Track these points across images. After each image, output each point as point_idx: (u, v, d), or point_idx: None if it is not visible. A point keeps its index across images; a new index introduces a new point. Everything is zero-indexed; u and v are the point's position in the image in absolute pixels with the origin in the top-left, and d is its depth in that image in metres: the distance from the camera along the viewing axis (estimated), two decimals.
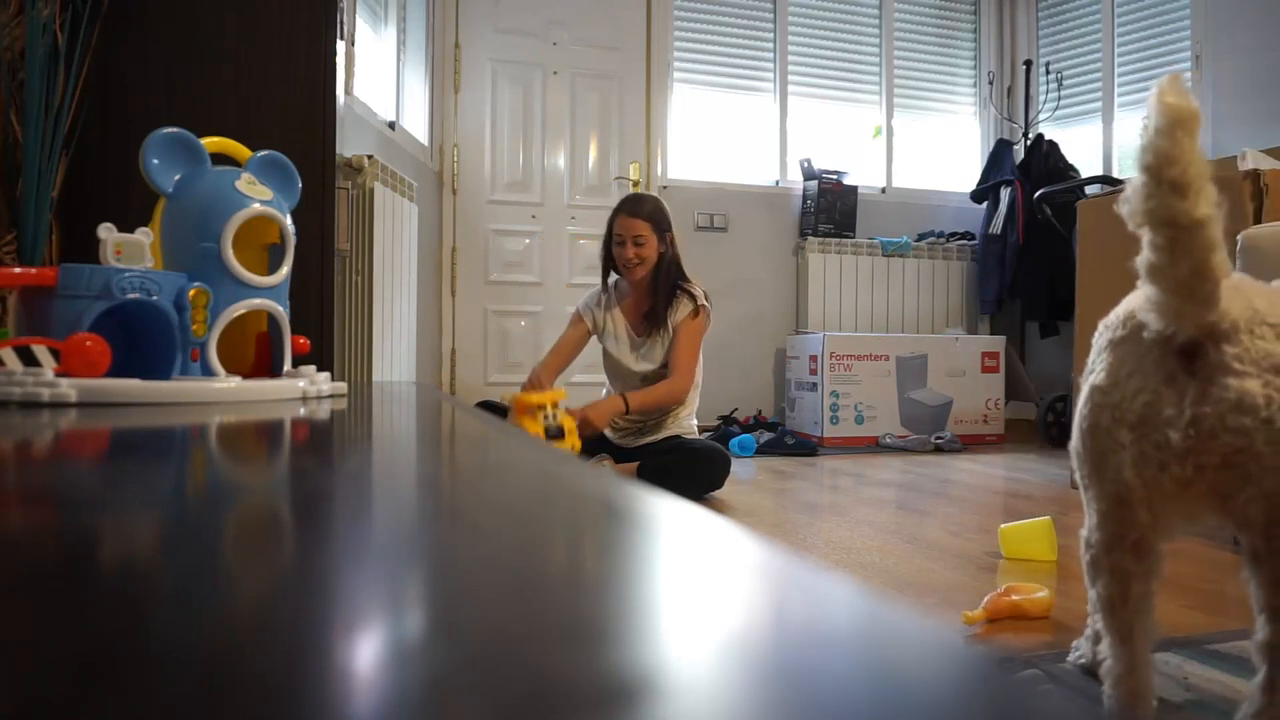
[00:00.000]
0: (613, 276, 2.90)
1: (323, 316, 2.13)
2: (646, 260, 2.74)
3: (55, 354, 0.82)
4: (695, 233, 4.49)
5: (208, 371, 0.95)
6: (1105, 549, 0.97)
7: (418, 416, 0.91)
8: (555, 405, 2.48)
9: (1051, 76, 4.94)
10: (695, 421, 2.91)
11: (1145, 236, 0.85)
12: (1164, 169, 0.81)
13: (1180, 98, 0.82)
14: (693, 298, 2.78)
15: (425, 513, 0.37)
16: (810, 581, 0.24)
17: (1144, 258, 0.86)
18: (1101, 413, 0.93)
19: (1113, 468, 0.93)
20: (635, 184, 4.40)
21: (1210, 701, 1.13)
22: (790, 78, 4.80)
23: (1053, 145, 4.59)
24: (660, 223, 2.76)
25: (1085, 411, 0.96)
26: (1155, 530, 0.94)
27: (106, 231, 0.92)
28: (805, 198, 4.67)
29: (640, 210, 2.74)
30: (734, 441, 3.80)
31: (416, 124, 3.95)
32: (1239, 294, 0.87)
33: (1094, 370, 0.97)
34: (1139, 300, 0.92)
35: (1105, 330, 0.98)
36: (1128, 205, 0.85)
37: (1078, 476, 1.01)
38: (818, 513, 2.54)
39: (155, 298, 0.90)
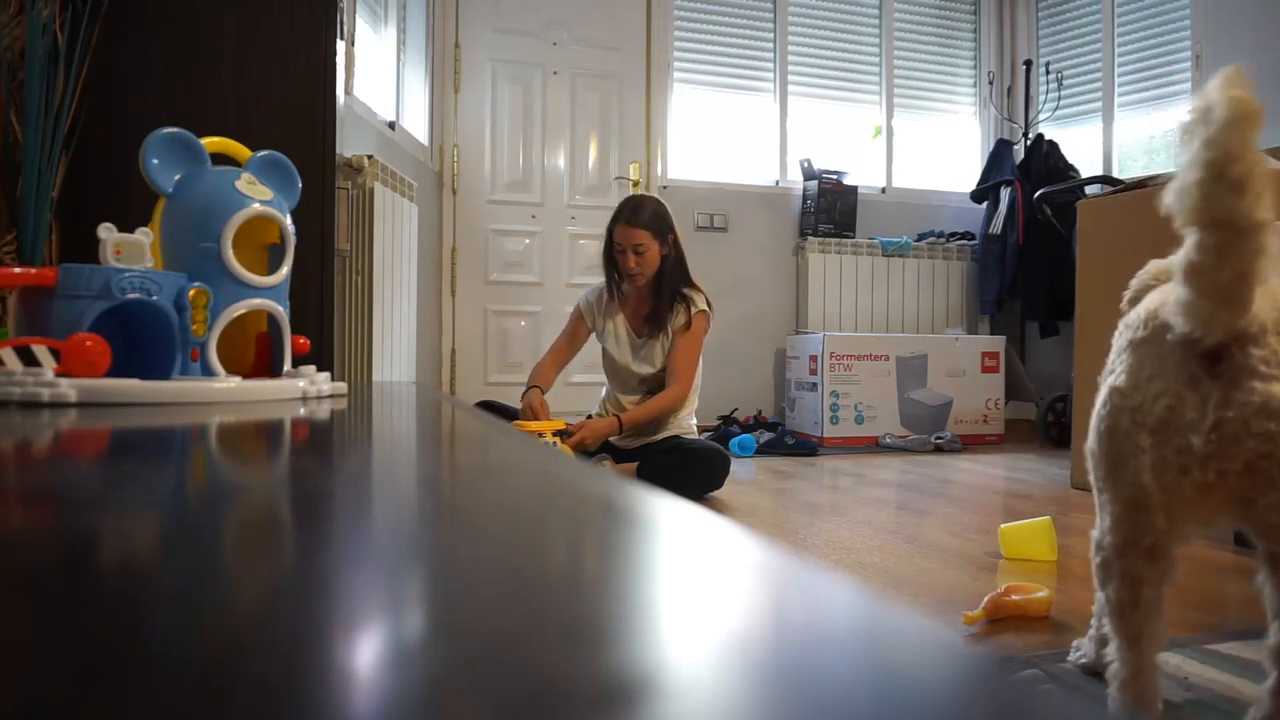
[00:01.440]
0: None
1: (323, 316, 2.13)
2: (648, 268, 2.73)
3: (55, 354, 0.82)
4: (695, 233, 4.49)
5: (208, 371, 0.95)
6: (1117, 552, 0.95)
7: (418, 416, 0.91)
8: (555, 434, 2.53)
9: (1051, 76, 4.94)
10: (695, 421, 2.90)
11: (1192, 237, 0.80)
12: (1227, 166, 0.76)
13: (1246, 91, 0.77)
14: (689, 306, 2.77)
15: (425, 513, 0.37)
16: (810, 581, 0.24)
17: (1185, 257, 0.81)
18: (1121, 415, 0.91)
19: (1131, 471, 0.90)
20: (635, 184, 4.40)
21: (1210, 701, 1.13)
22: (790, 78, 4.80)
23: (1053, 145, 4.60)
24: (660, 227, 2.74)
25: (1104, 413, 0.94)
26: (1171, 535, 0.92)
27: (106, 231, 0.92)
28: (805, 198, 4.67)
29: (639, 218, 2.71)
30: (734, 441, 3.80)
31: (416, 124, 3.95)
32: (1267, 296, 0.84)
33: (1113, 371, 0.94)
34: (1162, 301, 0.90)
35: (1126, 330, 0.96)
36: (1178, 201, 0.80)
37: (1091, 478, 0.98)
38: (818, 513, 2.54)
39: (155, 298, 0.90)
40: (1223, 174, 0.76)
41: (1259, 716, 0.96)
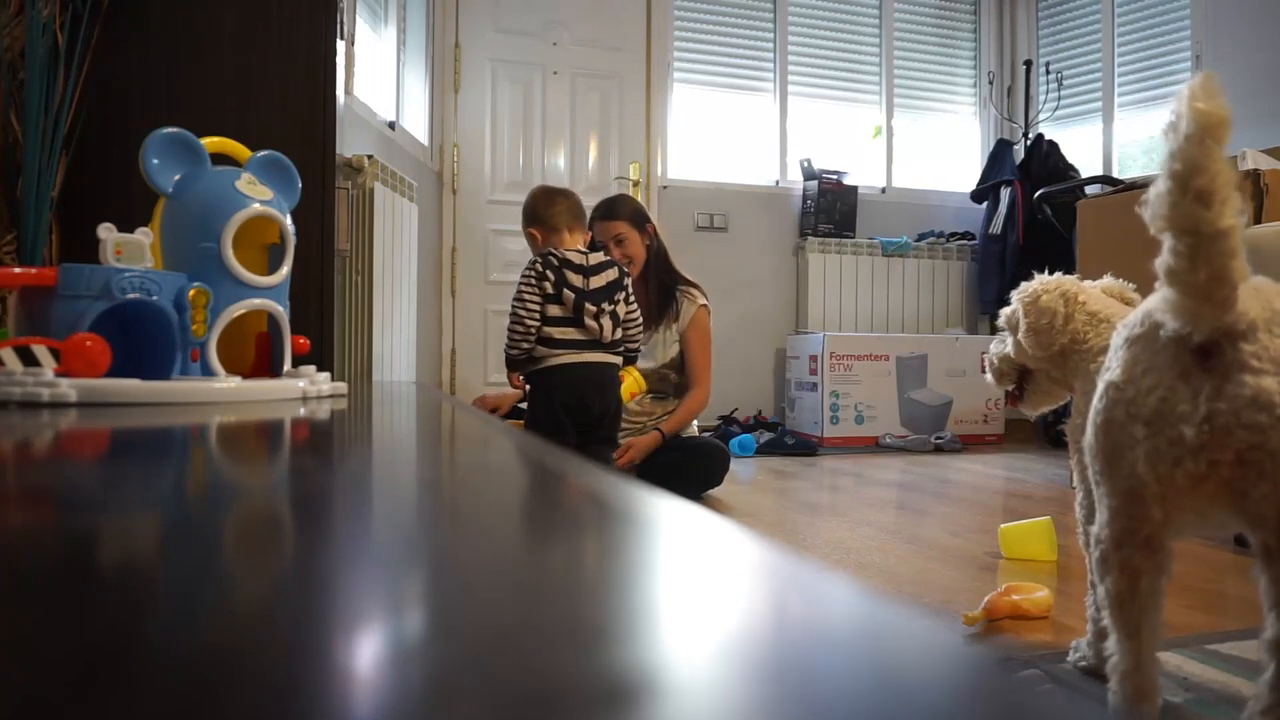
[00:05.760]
0: None
1: (323, 316, 2.13)
2: (634, 258, 2.74)
3: (55, 354, 0.82)
4: (695, 233, 4.49)
5: (208, 371, 0.95)
6: (1115, 544, 0.97)
7: (418, 416, 0.91)
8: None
9: (1051, 76, 4.93)
10: (696, 422, 2.91)
11: (1166, 242, 0.85)
12: (1192, 178, 0.81)
13: (1212, 103, 0.82)
14: (691, 301, 2.79)
15: (425, 513, 0.37)
16: (810, 581, 0.24)
17: (1164, 262, 0.86)
18: (1116, 408, 0.93)
19: (1126, 463, 0.93)
20: (635, 184, 4.40)
21: (1210, 701, 1.13)
22: (790, 78, 4.80)
23: (1053, 145, 4.59)
24: (637, 218, 2.77)
25: (1100, 406, 0.96)
26: (1167, 527, 0.95)
27: (106, 231, 0.92)
28: (805, 198, 4.67)
29: (614, 211, 2.75)
30: (734, 441, 3.80)
31: (416, 124, 3.95)
32: (1259, 295, 0.88)
33: (1110, 367, 0.97)
34: (1157, 301, 0.93)
35: (1123, 329, 0.99)
36: (1150, 210, 0.86)
37: (1090, 472, 1.01)
38: (818, 513, 2.54)
39: (155, 298, 0.90)
40: (1188, 185, 0.82)
41: (1258, 710, 0.96)
